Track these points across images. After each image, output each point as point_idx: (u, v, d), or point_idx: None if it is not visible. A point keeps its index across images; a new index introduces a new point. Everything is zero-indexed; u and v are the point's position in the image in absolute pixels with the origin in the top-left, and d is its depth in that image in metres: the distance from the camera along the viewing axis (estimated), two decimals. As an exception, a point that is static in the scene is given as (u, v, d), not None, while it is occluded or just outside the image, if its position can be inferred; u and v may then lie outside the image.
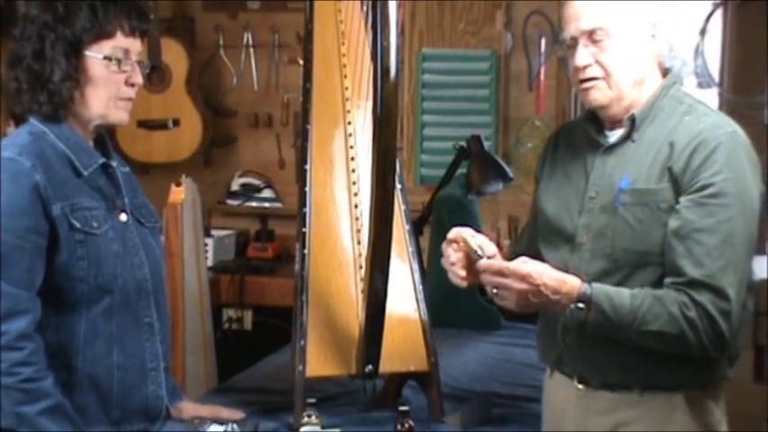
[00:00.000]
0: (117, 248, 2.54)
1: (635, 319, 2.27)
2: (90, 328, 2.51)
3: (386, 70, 2.53)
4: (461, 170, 3.72)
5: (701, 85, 5.32)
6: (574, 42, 2.42)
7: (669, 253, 2.31)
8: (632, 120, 2.43)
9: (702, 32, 5.07)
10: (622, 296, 2.29)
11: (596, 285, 2.31)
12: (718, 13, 5.07)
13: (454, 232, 2.48)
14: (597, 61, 2.40)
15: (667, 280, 2.31)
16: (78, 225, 2.47)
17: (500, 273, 2.30)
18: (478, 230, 2.62)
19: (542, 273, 2.30)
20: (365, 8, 3.24)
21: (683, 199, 2.31)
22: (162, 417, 2.70)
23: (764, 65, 4.96)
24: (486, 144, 3.70)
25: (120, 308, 2.55)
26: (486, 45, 5.28)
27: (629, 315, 2.27)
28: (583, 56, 2.40)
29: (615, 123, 2.47)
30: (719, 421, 2.46)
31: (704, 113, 2.43)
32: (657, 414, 2.41)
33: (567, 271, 2.37)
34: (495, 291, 2.31)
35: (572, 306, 2.30)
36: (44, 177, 2.44)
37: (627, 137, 2.44)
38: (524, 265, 2.30)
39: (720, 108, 5.02)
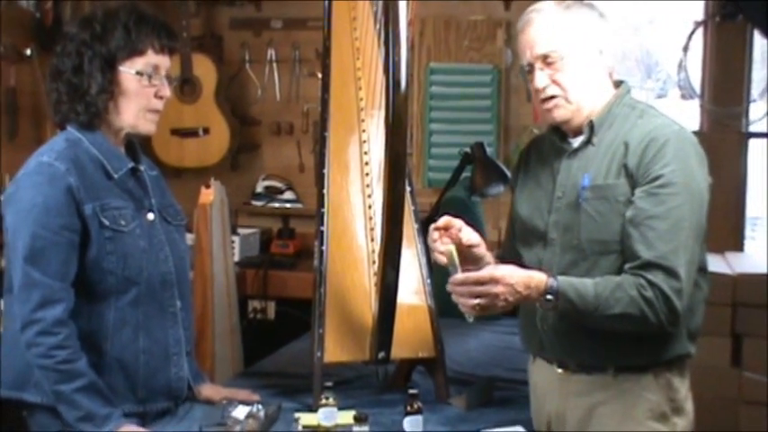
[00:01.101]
0: (143, 244, 2.57)
1: (599, 304, 2.30)
2: (118, 316, 2.54)
3: (397, 83, 2.52)
4: (466, 174, 3.70)
5: (683, 97, 5.31)
6: (531, 68, 2.47)
7: (626, 240, 2.35)
8: (591, 126, 2.47)
9: (685, 49, 5.07)
10: (586, 285, 2.32)
11: (561, 278, 2.35)
12: (700, 32, 5.06)
13: (444, 220, 2.51)
14: (554, 81, 2.45)
15: (626, 266, 2.34)
16: (107, 223, 2.50)
17: (477, 282, 2.31)
18: (480, 229, 2.64)
19: (513, 273, 2.33)
20: (378, 26, 3.23)
21: (637, 191, 2.35)
22: (184, 397, 2.72)
23: (741, 78, 4.96)
24: (489, 150, 3.67)
25: (146, 298, 2.58)
26: (488, 60, 5.28)
27: (594, 301, 2.30)
28: (540, 78, 2.45)
29: (577, 131, 2.51)
30: (685, 398, 2.48)
31: (654, 116, 2.47)
32: (629, 394, 2.43)
33: (533, 268, 2.43)
34: (477, 301, 2.32)
35: (542, 298, 2.33)
36: (77, 180, 2.47)
37: (587, 141, 2.48)
38: (496, 269, 2.34)
39: (702, 118, 5.03)
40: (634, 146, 2.37)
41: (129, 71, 2.54)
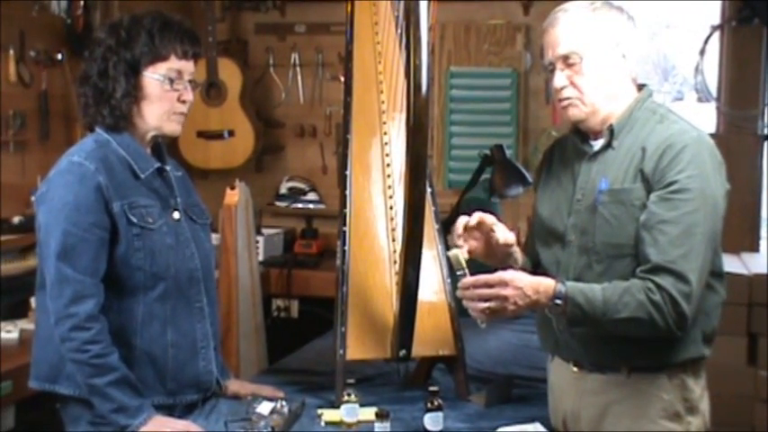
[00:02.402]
0: (170, 241, 2.60)
1: (607, 309, 2.28)
2: (147, 310, 2.57)
3: (418, 86, 2.52)
4: (486, 175, 3.70)
5: (700, 100, 5.30)
6: (552, 67, 2.45)
7: (639, 244, 2.32)
8: (611, 130, 2.44)
9: (702, 53, 5.06)
10: (594, 290, 2.30)
11: (570, 283, 2.33)
12: (716, 36, 5.05)
13: (478, 216, 2.52)
14: (572, 82, 2.43)
15: (637, 270, 2.31)
16: (135, 220, 2.53)
17: (487, 284, 2.31)
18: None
19: (521, 277, 2.33)
20: (400, 31, 3.23)
21: (651, 196, 2.32)
22: (213, 389, 2.73)
23: (757, 82, 4.95)
24: (508, 152, 3.67)
25: (174, 293, 2.60)
26: (507, 64, 5.28)
27: (602, 306, 2.28)
28: (559, 79, 2.44)
29: (598, 134, 2.48)
30: (700, 397, 2.45)
31: (674, 121, 2.43)
32: (643, 393, 2.41)
33: (551, 269, 2.46)
34: (487, 304, 2.31)
35: (550, 303, 2.32)
36: (106, 179, 2.50)
37: (607, 145, 2.45)
38: (505, 273, 2.33)
39: (718, 120, 5.01)
40: (651, 151, 2.35)
41: (152, 76, 2.57)
